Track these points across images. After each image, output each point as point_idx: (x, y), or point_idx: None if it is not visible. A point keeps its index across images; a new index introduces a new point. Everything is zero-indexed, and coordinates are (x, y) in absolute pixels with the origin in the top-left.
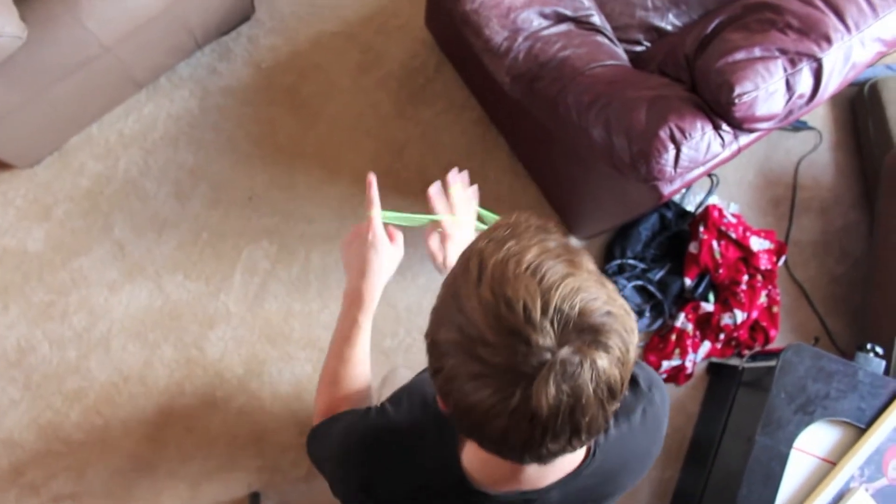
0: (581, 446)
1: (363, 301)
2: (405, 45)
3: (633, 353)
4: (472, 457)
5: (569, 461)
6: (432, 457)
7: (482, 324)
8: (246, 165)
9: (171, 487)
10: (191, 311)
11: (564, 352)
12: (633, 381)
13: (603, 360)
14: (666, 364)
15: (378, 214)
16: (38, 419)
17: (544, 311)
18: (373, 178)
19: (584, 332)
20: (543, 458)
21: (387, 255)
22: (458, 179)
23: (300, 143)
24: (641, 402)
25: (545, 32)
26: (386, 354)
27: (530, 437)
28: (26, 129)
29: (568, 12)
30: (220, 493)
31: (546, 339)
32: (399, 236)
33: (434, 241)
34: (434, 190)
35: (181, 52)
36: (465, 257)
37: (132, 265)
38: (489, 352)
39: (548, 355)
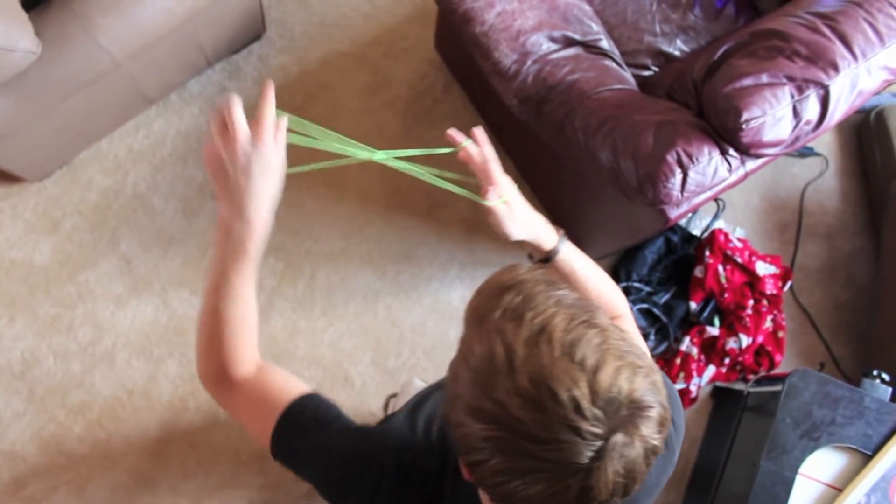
0: None
1: (251, 226)
2: (413, 66)
3: (669, 407)
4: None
5: None
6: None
7: (527, 419)
8: None
9: (173, 503)
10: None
11: (618, 437)
12: None
13: (649, 429)
14: None
15: (275, 118)
16: (41, 432)
17: (593, 400)
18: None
19: (633, 411)
20: None
21: (276, 170)
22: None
23: (307, 162)
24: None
25: (554, 56)
26: (390, 374)
27: None
28: (37, 143)
29: (577, 37)
30: None
31: (598, 426)
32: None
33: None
34: (474, 148)
35: (192, 70)
36: (485, 339)
37: (138, 280)
38: (539, 448)
39: (600, 443)
